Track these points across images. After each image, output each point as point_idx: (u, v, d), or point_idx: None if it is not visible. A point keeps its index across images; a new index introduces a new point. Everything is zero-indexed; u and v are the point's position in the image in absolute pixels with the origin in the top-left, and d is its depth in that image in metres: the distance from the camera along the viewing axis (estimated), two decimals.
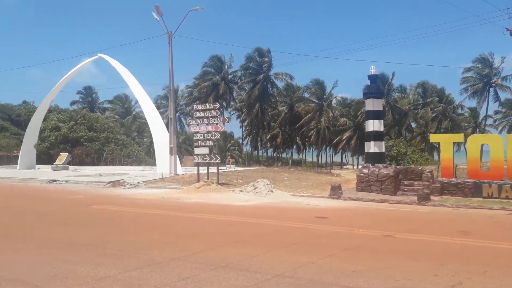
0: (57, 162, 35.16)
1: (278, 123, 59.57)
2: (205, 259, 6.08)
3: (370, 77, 31.27)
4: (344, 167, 60.61)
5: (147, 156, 51.54)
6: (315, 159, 64.76)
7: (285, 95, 59.10)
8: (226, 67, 57.76)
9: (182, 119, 62.46)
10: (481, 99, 51.54)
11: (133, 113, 69.57)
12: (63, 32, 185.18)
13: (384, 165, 16.76)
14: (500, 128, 53.12)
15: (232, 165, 32.45)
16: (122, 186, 19.08)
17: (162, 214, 11.00)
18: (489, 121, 54.24)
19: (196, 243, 7.31)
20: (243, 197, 14.55)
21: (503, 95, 51.42)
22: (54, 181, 22.13)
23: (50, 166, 35.52)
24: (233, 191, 16.02)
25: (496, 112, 54.05)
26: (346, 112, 56.93)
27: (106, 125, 52.83)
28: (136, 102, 56.04)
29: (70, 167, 35.24)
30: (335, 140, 57.19)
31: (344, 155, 68.99)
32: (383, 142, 31.79)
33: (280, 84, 57.75)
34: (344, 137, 55.05)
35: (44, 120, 42.92)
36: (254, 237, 7.84)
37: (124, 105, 71.57)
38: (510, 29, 23.33)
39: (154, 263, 5.86)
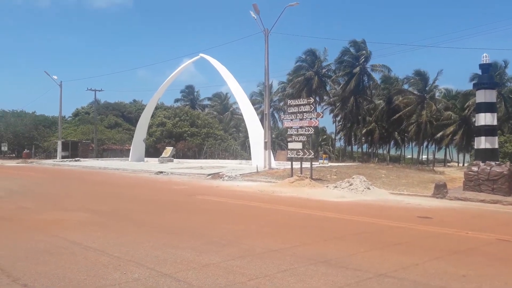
0: (163, 155, 38.21)
1: (374, 117, 57.27)
2: (303, 253, 6.12)
3: (482, 66, 28.57)
4: (448, 164, 56.29)
5: (242, 150, 53.48)
6: (415, 156, 61.12)
7: (383, 87, 56.55)
8: (319, 61, 57.09)
9: (275, 114, 63.42)
10: None
11: (231, 109, 72.62)
12: (166, 36, 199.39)
13: (497, 162, 15.17)
14: None
15: (325, 161, 32.14)
16: (221, 178, 20.04)
17: (259, 206, 11.32)
18: None
19: (293, 236, 7.41)
20: (338, 193, 14.32)
21: None
22: (161, 172, 23.87)
23: (157, 158, 38.79)
24: (327, 186, 15.84)
25: None
26: (452, 104, 52.64)
27: (206, 121, 56.10)
28: (234, 99, 58.23)
29: (174, 160, 38.06)
30: (438, 135, 53.35)
31: (448, 151, 64.01)
32: (496, 137, 28.76)
33: (376, 76, 55.44)
34: (449, 132, 51.07)
35: (152, 116, 46.73)
36: (352, 234, 7.69)
37: (223, 102, 75.10)
38: None
39: (254, 253, 6.08)
